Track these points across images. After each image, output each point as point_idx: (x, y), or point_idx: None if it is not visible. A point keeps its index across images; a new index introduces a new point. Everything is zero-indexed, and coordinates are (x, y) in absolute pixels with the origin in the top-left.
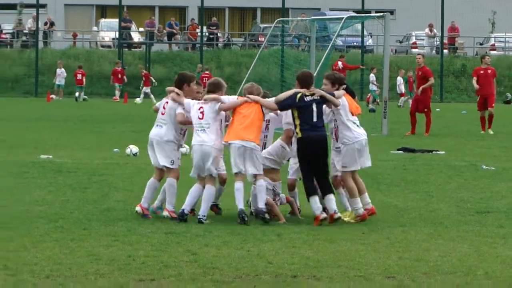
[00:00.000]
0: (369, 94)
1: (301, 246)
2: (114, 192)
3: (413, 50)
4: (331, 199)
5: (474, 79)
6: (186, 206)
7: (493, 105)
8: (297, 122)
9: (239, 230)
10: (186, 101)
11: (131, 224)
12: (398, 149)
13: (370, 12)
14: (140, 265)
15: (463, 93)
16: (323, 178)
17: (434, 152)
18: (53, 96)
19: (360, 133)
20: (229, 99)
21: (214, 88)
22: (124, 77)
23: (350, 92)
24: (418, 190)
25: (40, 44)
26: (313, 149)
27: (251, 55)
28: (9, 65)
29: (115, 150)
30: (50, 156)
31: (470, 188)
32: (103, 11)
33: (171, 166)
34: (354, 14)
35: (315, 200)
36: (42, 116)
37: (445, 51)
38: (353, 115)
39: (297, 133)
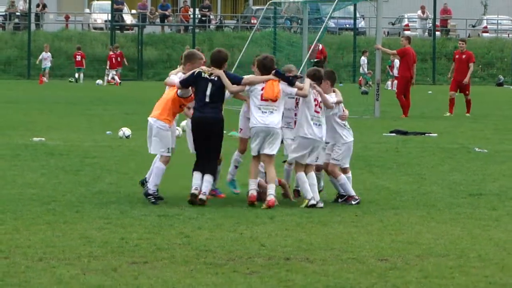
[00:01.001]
0: (360, 77)
1: (294, 229)
2: (106, 174)
3: (406, 32)
4: (206, 180)
5: (453, 63)
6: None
7: (467, 92)
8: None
9: (232, 213)
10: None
11: (123, 207)
12: (391, 132)
13: None
14: (133, 247)
15: None
16: (211, 159)
17: (426, 134)
18: (44, 79)
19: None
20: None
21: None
22: (124, 59)
23: (281, 76)
24: (411, 172)
25: (33, 27)
26: (201, 130)
27: (243, 37)
28: (1, 48)
29: (108, 132)
30: (43, 139)
31: (462, 170)
32: None
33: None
34: None
35: (195, 176)
36: (34, 98)
37: (438, 33)
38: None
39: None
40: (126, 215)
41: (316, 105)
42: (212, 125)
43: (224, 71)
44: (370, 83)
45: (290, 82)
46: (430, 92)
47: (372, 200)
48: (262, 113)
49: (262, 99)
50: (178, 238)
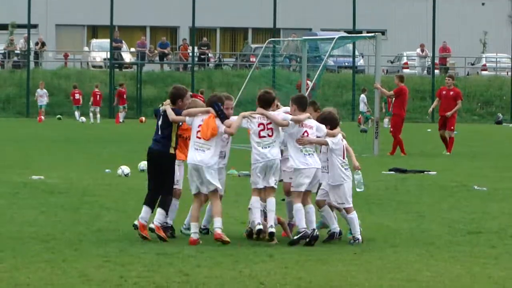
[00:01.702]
0: (359, 115)
1: (293, 267)
2: (105, 212)
3: (405, 70)
4: (159, 212)
5: (437, 99)
6: (261, 223)
7: (452, 128)
8: None
9: (230, 251)
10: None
11: (123, 245)
12: (390, 170)
13: (361, 32)
14: (132, 285)
15: None
16: (164, 193)
17: (425, 172)
18: (42, 117)
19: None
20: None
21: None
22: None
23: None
24: (410, 210)
25: (32, 65)
26: (151, 163)
27: (242, 76)
28: (0, 86)
29: (106, 170)
30: (42, 177)
31: (461, 208)
32: (94, 32)
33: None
34: (345, 34)
35: (144, 210)
36: (34, 136)
37: (437, 71)
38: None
39: None
40: (125, 253)
41: (261, 130)
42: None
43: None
44: (372, 118)
45: (221, 118)
46: (429, 130)
47: (371, 238)
48: (195, 150)
49: (197, 137)
50: (177, 276)
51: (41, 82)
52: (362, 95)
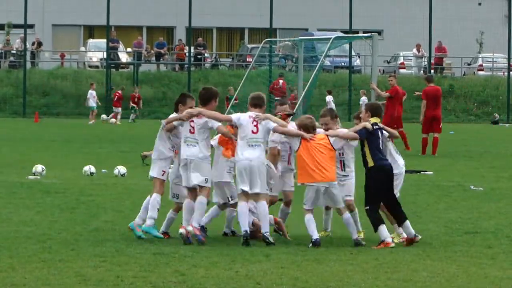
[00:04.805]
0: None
1: (289, 267)
2: (102, 212)
3: (401, 70)
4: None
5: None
6: (246, 227)
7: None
8: None
9: (227, 251)
10: (237, 115)
11: (119, 245)
12: None
13: (357, 33)
14: (129, 285)
15: (451, 113)
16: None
17: (422, 172)
18: (93, 120)
19: None
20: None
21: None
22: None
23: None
24: (406, 210)
25: (28, 65)
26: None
27: (239, 76)
28: None
29: (103, 170)
30: (38, 177)
31: (458, 208)
32: (90, 32)
33: (205, 185)
34: (342, 34)
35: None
36: (30, 136)
37: (432, 71)
38: None
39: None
40: (122, 253)
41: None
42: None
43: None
44: None
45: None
46: None
47: (367, 238)
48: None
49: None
50: (173, 276)
51: (92, 82)
52: (363, 97)
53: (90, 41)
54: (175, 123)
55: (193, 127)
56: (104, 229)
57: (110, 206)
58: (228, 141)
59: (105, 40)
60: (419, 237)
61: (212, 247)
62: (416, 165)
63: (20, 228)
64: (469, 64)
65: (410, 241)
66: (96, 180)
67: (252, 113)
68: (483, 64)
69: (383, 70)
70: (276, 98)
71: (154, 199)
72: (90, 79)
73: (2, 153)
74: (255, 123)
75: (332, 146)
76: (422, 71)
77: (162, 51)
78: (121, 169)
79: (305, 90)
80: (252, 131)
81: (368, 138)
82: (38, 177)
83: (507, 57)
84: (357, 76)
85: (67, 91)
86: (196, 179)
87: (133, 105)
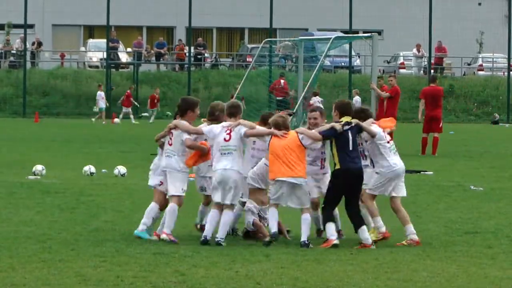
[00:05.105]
0: None
1: (289, 267)
2: (102, 212)
3: (401, 70)
4: None
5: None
6: (207, 233)
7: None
8: None
9: (227, 251)
10: (209, 127)
11: (119, 245)
12: None
13: (357, 33)
14: (129, 285)
15: (451, 113)
16: None
17: (422, 172)
18: (104, 121)
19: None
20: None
21: (236, 110)
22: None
23: None
24: (406, 210)
25: (28, 65)
26: None
27: (239, 76)
28: None
29: (103, 170)
30: (38, 177)
31: (458, 208)
32: (90, 32)
33: (181, 194)
34: (341, 34)
35: None
36: (30, 136)
37: (432, 71)
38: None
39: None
40: (122, 253)
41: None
42: None
43: None
44: None
45: None
46: None
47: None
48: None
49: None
50: (173, 276)
51: (100, 84)
52: (357, 97)
53: (90, 41)
54: (162, 139)
55: (171, 139)
56: (104, 229)
57: (110, 206)
58: (196, 152)
59: (105, 40)
60: (373, 247)
61: (212, 247)
62: (416, 165)
63: (20, 228)
64: (469, 64)
65: (364, 246)
66: (96, 180)
67: (226, 123)
68: (483, 64)
69: (383, 70)
70: (278, 98)
71: (151, 208)
72: (90, 79)
73: (2, 153)
74: (228, 131)
75: (301, 143)
76: (422, 71)
77: (162, 51)
78: (121, 169)
79: (305, 90)
80: (224, 139)
81: (336, 138)
82: (38, 177)
83: (507, 57)
84: (357, 76)
85: (67, 91)
86: (172, 189)
87: (151, 107)
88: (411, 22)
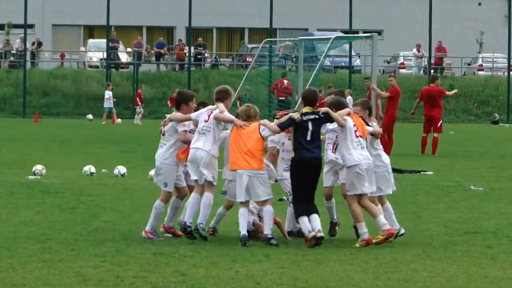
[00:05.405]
0: None
1: (289, 267)
2: (102, 212)
3: (401, 70)
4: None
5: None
6: (187, 219)
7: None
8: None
9: (227, 251)
10: (197, 112)
11: (119, 245)
12: None
13: (357, 33)
14: (129, 286)
15: (451, 113)
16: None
17: (422, 172)
18: (118, 120)
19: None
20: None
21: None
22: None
23: None
24: (406, 211)
25: (28, 65)
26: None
27: (239, 76)
28: None
29: (103, 170)
30: (38, 177)
31: (458, 208)
32: (90, 32)
33: (163, 188)
34: (341, 34)
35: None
36: (30, 136)
37: (432, 71)
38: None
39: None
40: (122, 253)
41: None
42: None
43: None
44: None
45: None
46: None
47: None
48: None
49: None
50: (173, 276)
51: (108, 83)
52: (349, 97)
53: (90, 41)
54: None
55: (164, 130)
56: (104, 229)
57: (110, 206)
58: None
59: (105, 40)
60: (320, 234)
61: (212, 247)
62: (416, 165)
63: (20, 228)
64: (469, 64)
65: (307, 240)
66: (96, 180)
67: (211, 106)
68: (483, 64)
69: (383, 70)
70: (281, 98)
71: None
72: (90, 79)
73: (2, 153)
74: (209, 113)
75: (260, 135)
76: (422, 71)
77: (162, 51)
78: (121, 169)
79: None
80: (204, 120)
81: (295, 128)
82: (38, 177)
83: (507, 57)
84: (357, 76)
85: (67, 91)
86: (156, 180)
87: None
88: (411, 22)
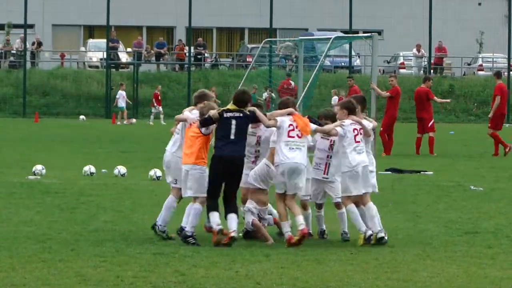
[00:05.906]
0: None
1: (289, 267)
2: (102, 212)
3: (401, 70)
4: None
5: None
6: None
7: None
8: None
9: (227, 251)
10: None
11: (119, 245)
12: (386, 170)
13: (357, 33)
14: (129, 286)
15: (451, 113)
16: (232, 197)
17: (422, 172)
18: (125, 121)
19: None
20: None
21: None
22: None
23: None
24: (406, 210)
25: (28, 65)
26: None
27: (239, 76)
28: None
29: (103, 170)
30: (38, 177)
31: (458, 208)
32: (90, 32)
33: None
34: (342, 34)
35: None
36: (30, 136)
37: (432, 71)
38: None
39: None
40: (122, 253)
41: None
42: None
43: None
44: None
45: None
46: None
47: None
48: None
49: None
50: (173, 276)
51: (121, 83)
52: (335, 97)
53: (90, 41)
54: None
55: (174, 133)
56: (104, 229)
57: (110, 206)
58: None
59: (105, 40)
60: (234, 234)
61: (212, 247)
62: (416, 165)
63: (20, 228)
64: (469, 64)
65: (225, 233)
66: (96, 180)
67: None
68: (483, 64)
69: (383, 70)
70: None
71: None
72: (90, 79)
73: (2, 153)
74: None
75: (200, 131)
76: (422, 71)
77: (162, 51)
78: (121, 169)
79: (305, 90)
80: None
81: (218, 125)
82: (38, 177)
83: (507, 57)
84: (357, 76)
85: (67, 91)
86: (169, 181)
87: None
88: (411, 22)
